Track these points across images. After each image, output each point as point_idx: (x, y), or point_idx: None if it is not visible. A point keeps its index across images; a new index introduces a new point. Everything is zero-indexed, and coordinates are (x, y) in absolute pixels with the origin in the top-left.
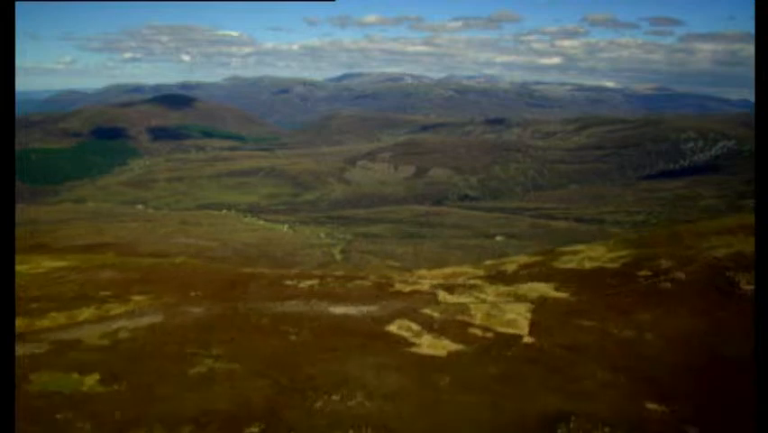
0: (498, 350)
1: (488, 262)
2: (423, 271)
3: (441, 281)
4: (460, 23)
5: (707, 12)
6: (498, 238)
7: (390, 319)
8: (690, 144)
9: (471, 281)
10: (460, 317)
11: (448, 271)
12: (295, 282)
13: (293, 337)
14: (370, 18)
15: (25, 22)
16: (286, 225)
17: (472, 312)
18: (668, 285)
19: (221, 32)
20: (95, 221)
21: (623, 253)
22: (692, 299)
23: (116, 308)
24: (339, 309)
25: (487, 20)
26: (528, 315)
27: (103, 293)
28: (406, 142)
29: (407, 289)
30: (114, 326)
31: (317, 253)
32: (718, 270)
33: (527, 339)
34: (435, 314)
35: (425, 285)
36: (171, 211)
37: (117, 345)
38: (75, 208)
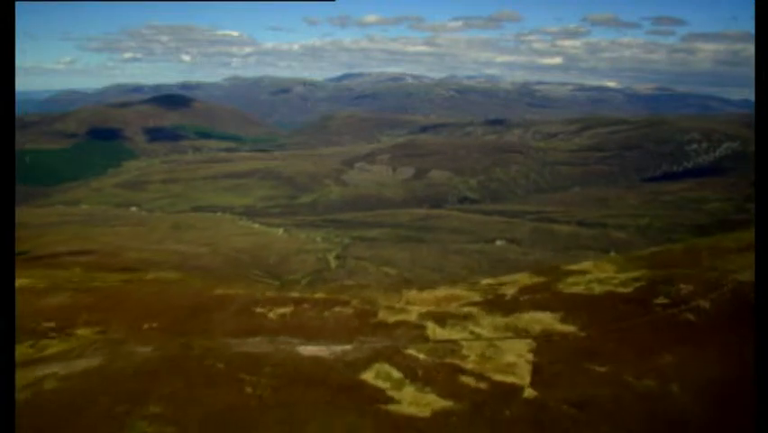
0: (494, 408)
1: (485, 282)
2: (413, 293)
3: (431, 308)
4: (460, 23)
5: (708, 12)
6: (499, 243)
7: (368, 363)
8: (694, 146)
9: (465, 309)
10: (450, 360)
11: (440, 293)
12: (266, 310)
13: (249, 390)
14: (371, 18)
15: (25, 22)
16: (281, 229)
17: (465, 352)
18: (691, 317)
19: (221, 32)
20: (86, 225)
21: (635, 273)
22: (721, 335)
23: (54, 346)
24: (309, 350)
25: (487, 19)
26: (530, 356)
27: (45, 325)
28: (406, 144)
29: (392, 319)
30: (43, 372)
31: (311, 260)
32: (745, 298)
33: (529, 392)
34: (421, 355)
35: (412, 314)
36: (165, 214)
37: (38, 399)
38: (67, 211)
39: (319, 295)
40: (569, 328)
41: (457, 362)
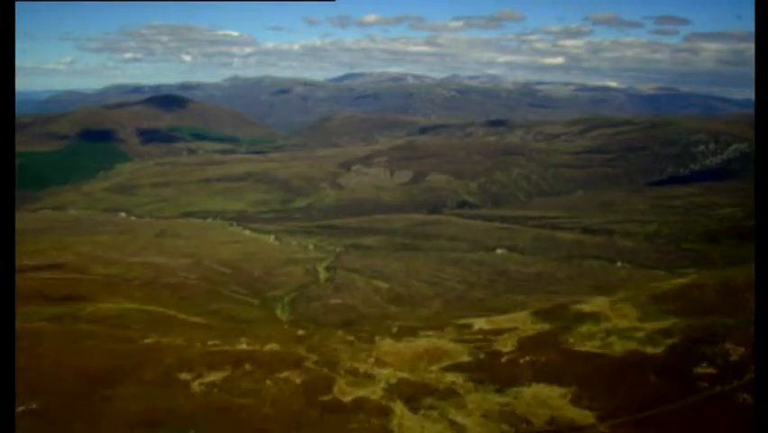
0: None
1: (477, 327)
2: (387, 344)
3: (404, 375)
4: (461, 23)
5: (712, 11)
6: (499, 252)
7: None
8: (701, 147)
9: (449, 378)
10: None
11: (421, 345)
12: (192, 376)
13: None
14: (371, 18)
15: (25, 22)
16: (272, 236)
17: None
18: (749, 398)
19: (221, 32)
20: (69, 232)
21: (664, 323)
22: None
23: None
24: None
25: (489, 19)
26: None
27: None
28: (404, 146)
29: (350, 396)
30: None
31: (299, 272)
32: None
33: None
34: None
35: (378, 385)
36: (154, 220)
37: None
38: (55, 216)
39: (271, 347)
40: (584, 416)
41: None
